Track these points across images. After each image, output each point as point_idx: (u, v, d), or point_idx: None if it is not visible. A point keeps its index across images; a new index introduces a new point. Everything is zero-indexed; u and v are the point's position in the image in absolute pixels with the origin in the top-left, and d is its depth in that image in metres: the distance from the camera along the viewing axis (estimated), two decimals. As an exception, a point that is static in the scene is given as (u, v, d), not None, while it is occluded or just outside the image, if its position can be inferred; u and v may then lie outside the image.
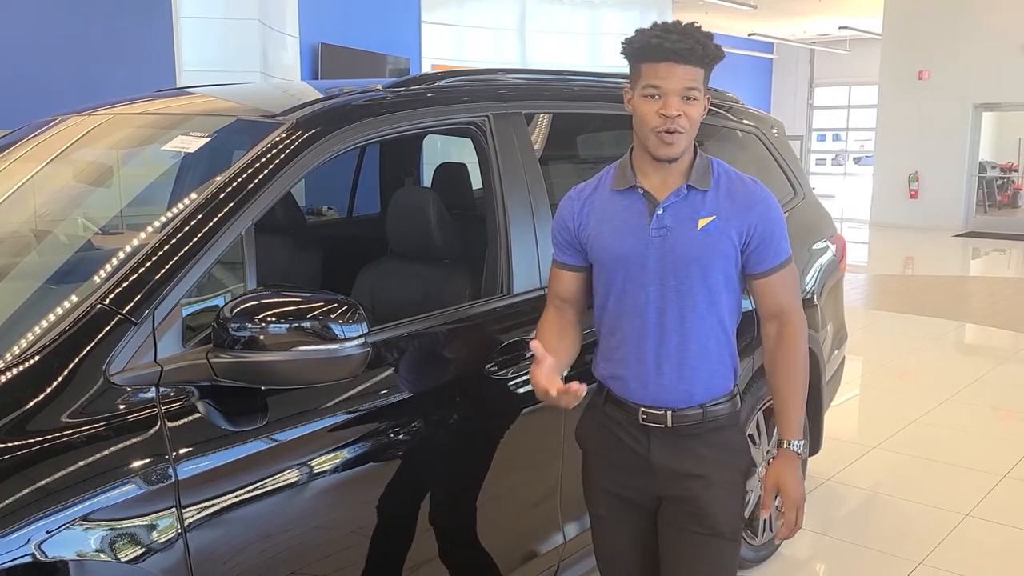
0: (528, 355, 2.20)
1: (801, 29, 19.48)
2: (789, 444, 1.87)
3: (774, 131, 3.53)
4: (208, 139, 2.13)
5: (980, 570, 3.17)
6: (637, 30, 1.78)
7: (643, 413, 1.85)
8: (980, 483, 3.93)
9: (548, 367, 1.75)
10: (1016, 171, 14.59)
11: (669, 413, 1.84)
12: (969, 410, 5.05)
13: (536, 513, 2.35)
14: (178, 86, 4.48)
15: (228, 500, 1.62)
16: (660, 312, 1.81)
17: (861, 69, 19.98)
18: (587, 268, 1.93)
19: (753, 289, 1.87)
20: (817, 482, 3.91)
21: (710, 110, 3.18)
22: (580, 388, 1.70)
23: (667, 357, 1.82)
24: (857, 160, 24.22)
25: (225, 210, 1.74)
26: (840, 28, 18.75)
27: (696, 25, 1.77)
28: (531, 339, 1.83)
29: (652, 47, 1.73)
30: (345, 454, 1.84)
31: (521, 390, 2.21)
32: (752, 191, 1.83)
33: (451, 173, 3.17)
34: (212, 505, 1.60)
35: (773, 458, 1.93)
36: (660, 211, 1.80)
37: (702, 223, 1.79)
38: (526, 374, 2.19)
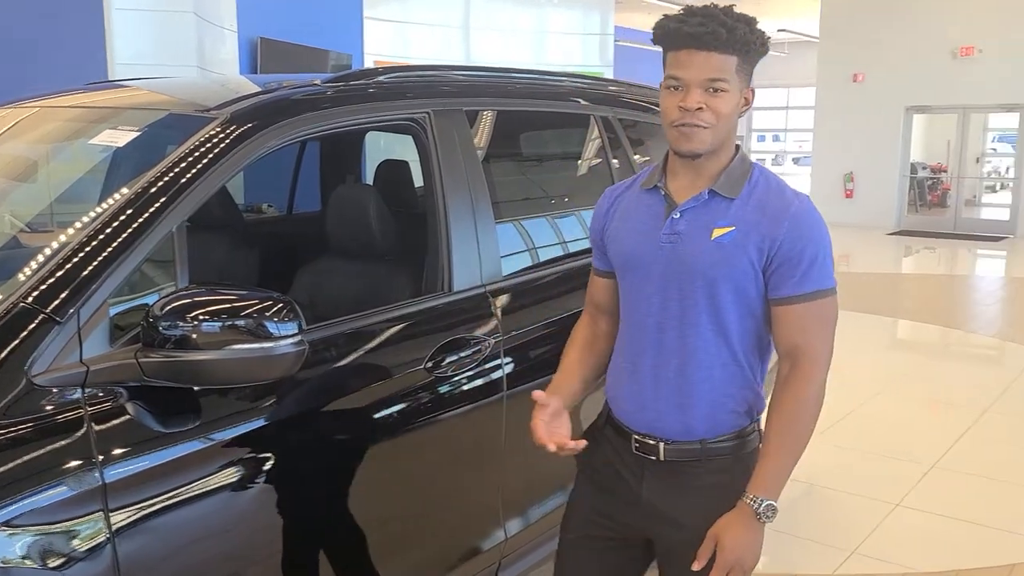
0: (467, 352, 2.20)
1: (741, 31, 19.78)
2: (753, 500, 1.58)
3: (713, 130, 3.57)
4: (138, 133, 2.08)
5: (908, 557, 3.27)
6: (664, 14, 1.60)
7: (636, 441, 1.68)
8: (910, 473, 4.05)
9: (551, 412, 1.65)
10: (945, 172, 15.05)
11: (662, 445, 1.65)
12: (901, 402, 5.21)
13: (477, 511, 2.34)
14: (110, 79, 4.36)
15: (160, 503, 1.58)
16: (660, 328, 1.63)
17: (799, 71, 20.41)
18: (614, 276, 1.77)
19: (772, 317, 1.62)
20: (755, 475, 3.98)
21: (650, 109, 3.26)
22: (576, 446, 1.62)
23: (665, 380, 1.63)
24: (796, 160, 24.75)
25: (155, 206, 1.69)
26: (778, 31, 19.12)
27: (730, 7, 1.57)
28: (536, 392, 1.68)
29: (671, 32, 1.54)
30: (282, 454, 1.81)
31: (462, 388, 2.20)
32: (787, 205, 1.59)
33: (393, 170, 3.14)
34: (142, 509, 1.55)
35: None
36: (676, 215, 1.61)
37: (717, 233, 1.58)
38: (466, 372, 2.19)
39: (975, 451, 4.36)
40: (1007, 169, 16.68)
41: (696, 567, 1.61)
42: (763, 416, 1.72)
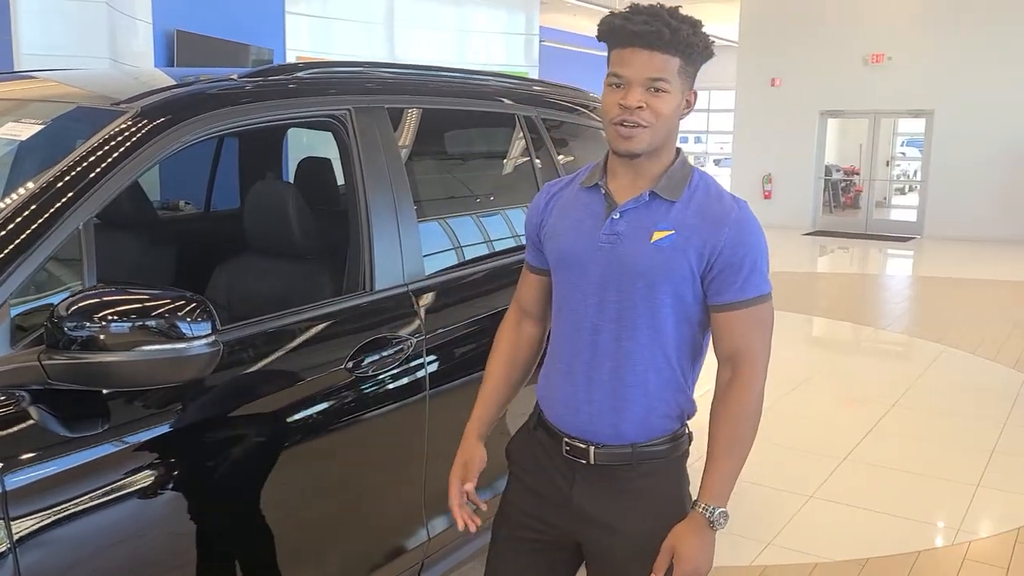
0: (390, 352, 2.18)
1: (664, 34, 20.14)
2: (705, 508, 1.60)
3: (635, 131, 3.62)
4: (43, 127, 2.00)
5: (821, 547, 3.37)
6: (610, 11, 1.61)
7: (567, 444, 1.67)
8: (823, 466, 4.19)
9: (464, 483, 1.77)
10: (858, 174, 15.61)
11: (593, 449, 1.64)
12: (814, 398, 5.38)
13: (400, 510, 2.33)
14: (15, 70, 4.18)
15: (66, 510, 1.52)
16: (595, 329, 1.62)
17: (719, 75, 20.87)
18: (548, 273, 1.75)
19: (712, 323, 1.63)
20: (676, 471, 4.05)
21: (575, 110, 3.29)
22: (471, 524, 1.75)
23: (599, 383, 1.63)
24: (717, 162, 25.32)
25: (60, 202, 1.63)
26: (700, 35, 19.54)
27: (676, 8, 1.57)
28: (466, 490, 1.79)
29: (616, 29, 1.55)
30: (198, 457, 1.77)
31: (384, 388, 2.18)
32: (727, 211, 1.59)
33: (314, 168, 3.09)
34: (47, 517, 1.49)
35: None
36: (616, 215, 1.60)
37: (657, 236, 1.57)
38: (388, 371, 2.17)
39: (884, 444, 4.53)
40: (915, 172, 17.41)
41: None
42: (692, 420, 1.74)
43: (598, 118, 3.38)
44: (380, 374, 2.16)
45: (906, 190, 18.52)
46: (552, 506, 1.71)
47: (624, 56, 1.54)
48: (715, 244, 1.57)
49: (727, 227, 1.58)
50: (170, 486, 1.71)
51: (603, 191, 1.65)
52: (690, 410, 1.71)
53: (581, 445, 1.66)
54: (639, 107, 1.53)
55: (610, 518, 1.66)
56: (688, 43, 1.53)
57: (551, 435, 1.71)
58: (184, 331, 1.56)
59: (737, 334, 1.61)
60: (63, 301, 1.51)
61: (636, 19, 1.52)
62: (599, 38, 1.60)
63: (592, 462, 1.65)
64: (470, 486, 1.77)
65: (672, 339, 1.62)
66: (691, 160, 1.67)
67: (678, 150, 1.66)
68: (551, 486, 1.71)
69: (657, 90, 1.54)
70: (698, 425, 1.72)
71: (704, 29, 1.58)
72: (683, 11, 1.58)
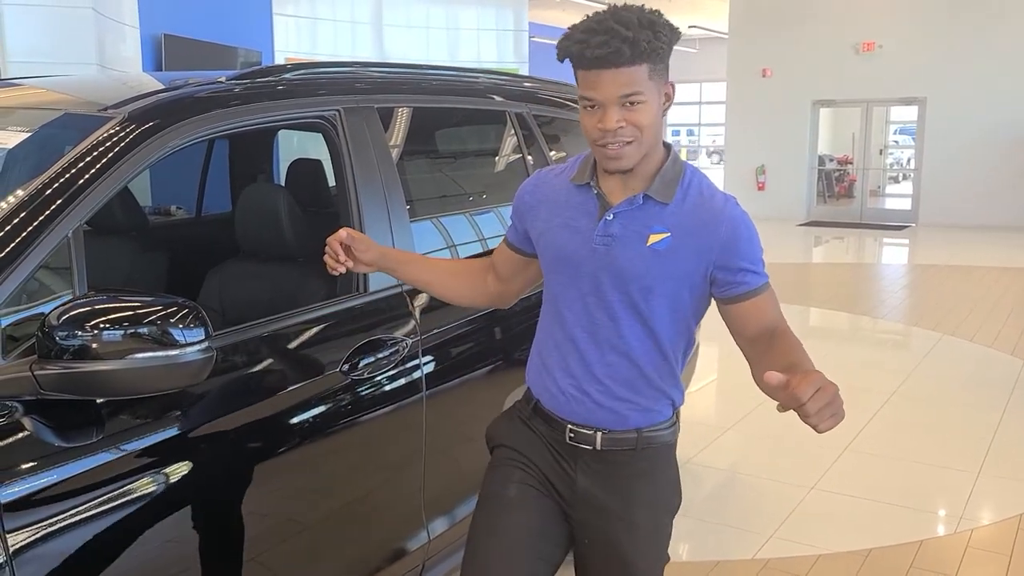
0: (385, 354, 2.16)
1: (654, 28, 20.13)
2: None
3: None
4: (31, 134, 1.98)
5: (823, 539, 3.37)
6: (569, 28, 1.53)
7: (571, 431, 1.68)
8: (823, 458, 4.18)
9: (358, 246, 1.78)
10: (851, 164, 15.62)
11: (599, 434, 1.66)
12: (813, 389, 5.36)
13: (400, 512, 2.31)
14: (2, 78, 4.15)
15: (62, 521, 1.50)
16: (593, 325, 1.63)
17: (710, 67, 20.89)
18: (521, 252, 1.80)
19: (729, 315, 1.63)
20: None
21: (565, 105, 3.28)
22: (341, 266, 1.78)
23: (600, 377, 1.65)
24: (710, 155, 25.34)
25: (48, 210, 1.61)
26: (690, 27, 19.53)
27: (638, 7, 1.49)
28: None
29: (574, 56, 1.49)
30: (194, 463, 1.75)
31: (381, 390, 2.17)
32: (720, 210, 1.58)
33: (305, 169, 3.08)
34: (43, 528, 1.47)
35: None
36: (610, 217, 1.59)
37: (653, 240, 1.57)
38: (385, 373, 2.16)
39: (884, 434, 4.53)
40: (908, 160, 17.43)
41: (772, 380, 1.50)
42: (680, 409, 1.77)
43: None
44: (376, 376, 2.15)
45: (900, 178, 18.54)
46: (559, 480, 1.71)
47: (590, 79, 1.49)
48: (712, 243, 1.57)
49: (722, 226, 1.58)
50: (167, 494, 1.69)
51: (595, 191, 1.63)
52: (679, 400, 1.75)
53: (587, 431, 1.67)
54: (620, 126, 1.50)
55: (615, 504, 1.68)
56: (649, 48, 1.47)
57: (552, 424, 1.72)
58: (177, 337, 1.55)
59: (765, 315, 1.62)
60: (54, 310, 1.50)
61: (592, 42, 1.45)
62: (559, 60, 1.55)
63: (598, 448, 1.67)
64: (348, 232, 1.80)
65: (667, 333, 1.65)
66: (683, 154, 1.65)
67: (667, 145, 1.63)
68: (558, 468, 1.71)
69: (632, 103, 1.49)
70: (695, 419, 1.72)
71: (662, 20, 1.50)
72: (663, 6, 1.54)
